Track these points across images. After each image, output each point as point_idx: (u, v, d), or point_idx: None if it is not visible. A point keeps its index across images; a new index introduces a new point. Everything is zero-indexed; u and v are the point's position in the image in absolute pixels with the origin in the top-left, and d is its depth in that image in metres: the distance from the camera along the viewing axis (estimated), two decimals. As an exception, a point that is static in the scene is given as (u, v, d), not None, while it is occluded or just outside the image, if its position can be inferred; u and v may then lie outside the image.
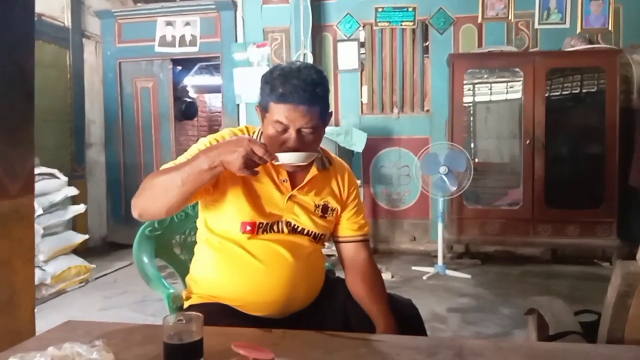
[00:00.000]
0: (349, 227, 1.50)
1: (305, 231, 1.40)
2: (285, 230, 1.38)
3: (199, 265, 1.45)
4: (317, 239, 1.44)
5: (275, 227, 1.37)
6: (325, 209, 1.44)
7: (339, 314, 1.43)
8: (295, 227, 1.39)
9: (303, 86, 1.24)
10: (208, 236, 1.41)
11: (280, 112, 1.26)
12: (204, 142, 1.38)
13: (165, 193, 1.20)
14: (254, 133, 1.42)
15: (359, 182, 1.91)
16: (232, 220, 1.34)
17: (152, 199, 1.22)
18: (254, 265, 1.34)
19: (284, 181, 1.39)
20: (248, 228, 1.33)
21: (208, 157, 1.15)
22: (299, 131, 1.28)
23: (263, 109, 1.32)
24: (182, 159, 1.32)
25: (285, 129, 1.28)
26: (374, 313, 1.37)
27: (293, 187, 1.39)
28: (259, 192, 1.36)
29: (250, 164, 1.14)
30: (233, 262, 1.36)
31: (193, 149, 1.37)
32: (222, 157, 1.13)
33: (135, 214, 1.25)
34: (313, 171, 1.41)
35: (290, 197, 1.38)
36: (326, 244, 1.51)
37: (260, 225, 1.35)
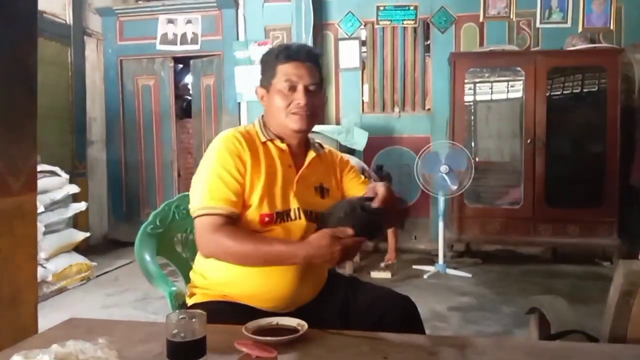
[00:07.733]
0: (355, 183, 1.57)
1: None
2: (303, 216, 1.40)
3: (208, 260, 1.41)
4: None
5: (292, 215, 1.39)
6: (322, 190, 1.49)
7: (340, 309, 1.44)
8: (311, 213, 1.41)
9: (305, 48, 1.46)
10: None
11: (289, 70, 1.39)
12: (227, 139, 1.39)
13: (244, 261, 1.32)
14: (256, 133, 1.44)
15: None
16: (251, 215, 1.36)
17: (229, 258, 1.33)
18: None
19: (289, 166, 1.44)
20: (266, 219, 1.37)
21: (305, 257, 1.25)
22: (306, 89, 1.39)
23: (268, 79, 1.42)
24: (218, 181, 1.33)
25: (294, 87, 1.39)
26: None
27: (297, 171, 1.45)
28: (273, 182, 1.39)
29: (350, 252, 1.26)
30: None
31: (221, 154, 1.36)
32: (320, 259, 1.25)
33: (208, 253, 1.35)
34: (311, 154, 1.49)
35: (298, 180, 1.43)
36: None
37: (279, 214, 1.38)
